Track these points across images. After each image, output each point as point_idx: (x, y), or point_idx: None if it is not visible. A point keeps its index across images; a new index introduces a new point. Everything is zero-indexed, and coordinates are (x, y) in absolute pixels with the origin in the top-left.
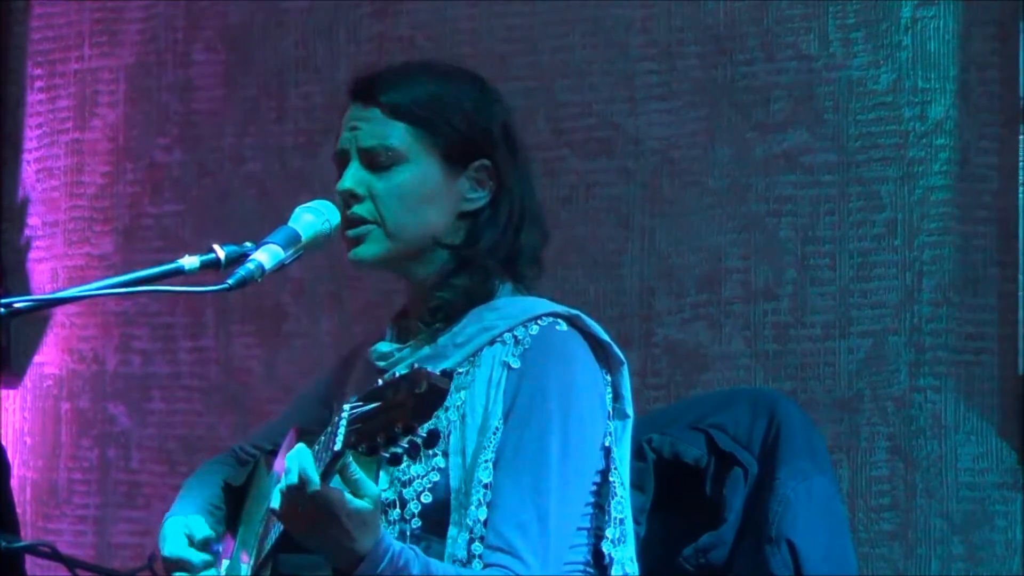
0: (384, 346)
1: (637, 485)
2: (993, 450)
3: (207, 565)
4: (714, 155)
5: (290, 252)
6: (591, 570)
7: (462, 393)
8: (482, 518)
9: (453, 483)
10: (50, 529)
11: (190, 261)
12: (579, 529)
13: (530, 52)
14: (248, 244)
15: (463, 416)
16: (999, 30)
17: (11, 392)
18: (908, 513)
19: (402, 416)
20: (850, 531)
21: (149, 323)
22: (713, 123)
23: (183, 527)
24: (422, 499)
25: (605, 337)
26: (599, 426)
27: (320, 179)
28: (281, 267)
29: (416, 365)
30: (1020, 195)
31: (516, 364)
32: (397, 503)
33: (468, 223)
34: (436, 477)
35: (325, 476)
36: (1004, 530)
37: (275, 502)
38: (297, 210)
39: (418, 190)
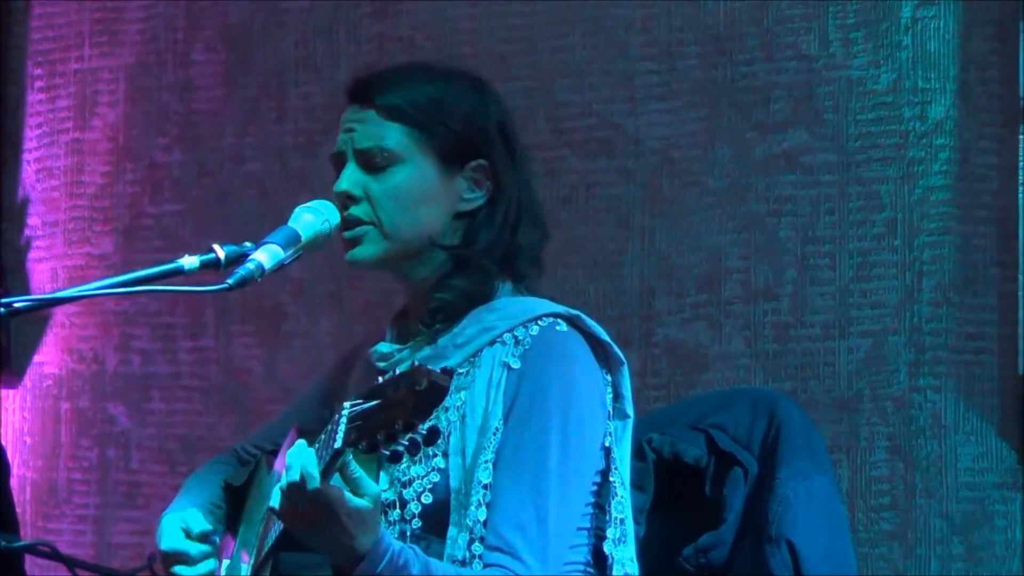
0: (384, 347)
1: (637, 485)
2: (993, 450)
3: (205, 556)
4: (714, 155)
5: (290, 252)
6: (591, 570)
7: (462, 394)
8: (482, 519)
9: (453, 484)
10: (50, 529)
11: (190, 261)
12: (579, 529)
13: (530, 52)
14: (248, 244)
15: (463, 417)
16: (999, 30)
17: (11, 392)
18: (908, 513)
19: (402, 413)
20: (850, 531)
21: (149, 323)
22: (713, 123)
23: (179, 521)
24: (422, 500)
25: (605, 337)
26: (599, 426)
27: (320, 179)
28: (281, 267)
29: (417, 363)
30: (1020, 195)
31: (516, 364)
32: (397, 503)
33: (465, 223)
34: (436, 478)
35: (325, 474)
36: (1004, 530)
37: (275, 500)
38: (297, 210)
39: (414, 191)
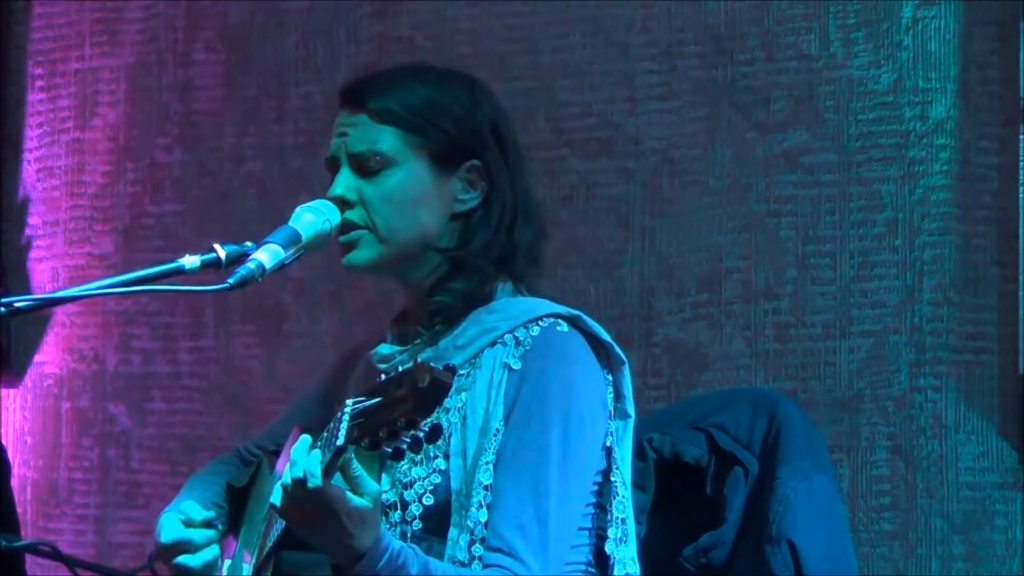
0: (385, 348)
1: (638, 484)
2: (993, 450)
3: (210, 540)
4: (714, 155)
5: (291, 252)
6: (593, 570)
7: (463, 395)
8: (483, 520)
9: (454, 485)
10: (50, 528)
11: (191, 260)
12: (580, 529)
13: (530, 52)
14: (248, 244)
15: (464, 418)
16: (999, 30)
17: (11, 391)
18: (908, 513)
19: (405, 410)
20: (850, 531)
21: (149, 323)
22: (713, 123)
23: (177, 514)
24: (423, 501)
25: (606, 337)
26: (600, 426)
27: (320, 179)
28: (281, 267)
29: (419, 360)
30: (1020, 195)
31: (517, 365)
32: (398, 505)
33: (461, 224)
34: (437, 479)
35: (327, 472)
36: (1004, 530)
37: (276, 498)
38: (298, 210)
39: (408, 193)
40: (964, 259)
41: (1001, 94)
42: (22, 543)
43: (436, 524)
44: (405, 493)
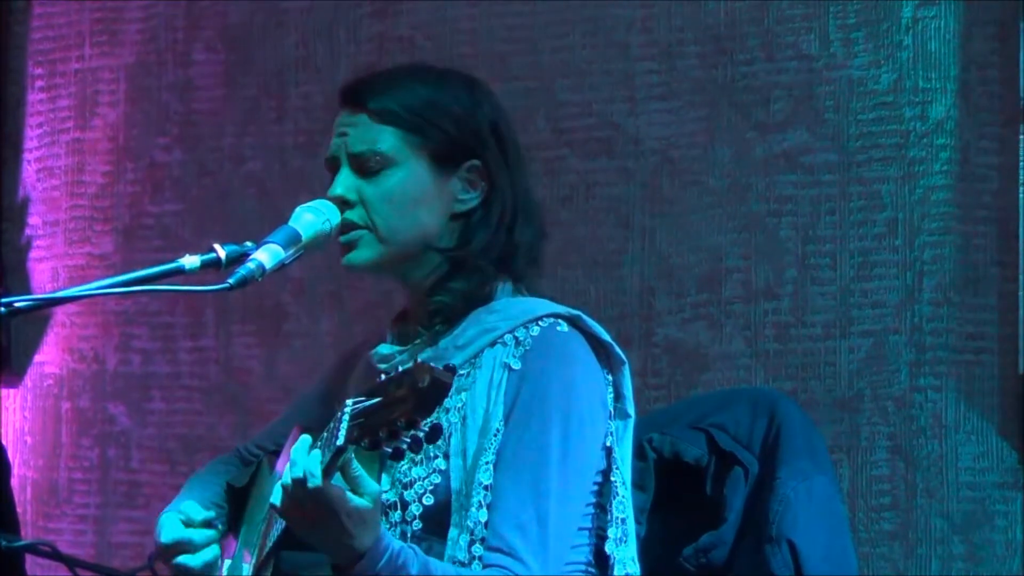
0: (385, 348)
1: (638, 484)
2: (993, 450)
3: (210, 540)
4: (714, 155)
5: (291, 252)
6: (593, 570)
7: (463, 395)
8: (483, 520)
9: (454, 485)
10: (50, 528)
11: (191, 260)
12: (580, 529)
13: (530, 52)
14: (248, 244)
15: (464, 418)
16: (999, 30)
17: (11, 391)
18: (908, 513)
19: (405, 411)
20: (850, 531)
21: (149, 323)
22: (713, 123)
23: (177, 514)
24: (423, 501)
25: (606, 337)
26: (600, 426)
27: (320, 179)
28: (281, 267)
29: (419, 360)
30: (1020, 195)
31: (517, 365)
32: (398, 505)
33: (461, 224)
34: (437, 479)
35: (327, 472)
36: (1004, 530)
37: (276, 498)
38: (298, 209)
39: (408, 193)
40: (964, 259)
41: (1001, 94)
42: (22, 543)
43: (436, 524)
44: (405, 493)
